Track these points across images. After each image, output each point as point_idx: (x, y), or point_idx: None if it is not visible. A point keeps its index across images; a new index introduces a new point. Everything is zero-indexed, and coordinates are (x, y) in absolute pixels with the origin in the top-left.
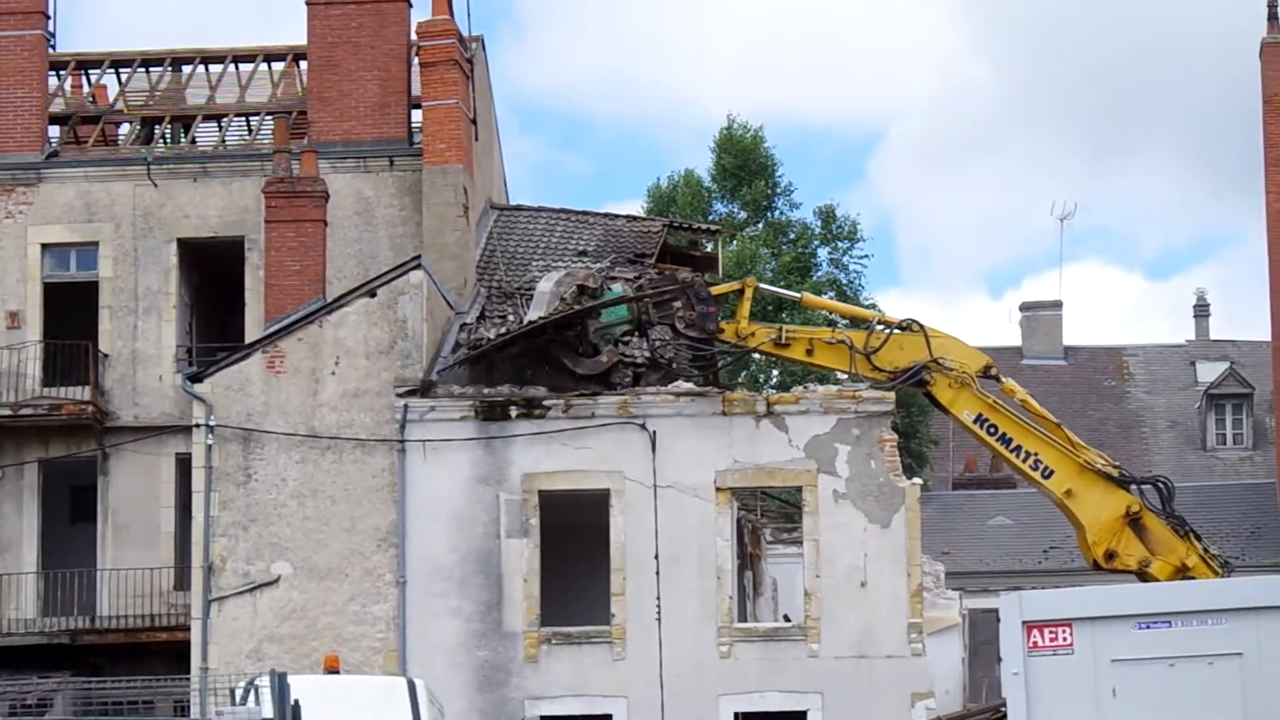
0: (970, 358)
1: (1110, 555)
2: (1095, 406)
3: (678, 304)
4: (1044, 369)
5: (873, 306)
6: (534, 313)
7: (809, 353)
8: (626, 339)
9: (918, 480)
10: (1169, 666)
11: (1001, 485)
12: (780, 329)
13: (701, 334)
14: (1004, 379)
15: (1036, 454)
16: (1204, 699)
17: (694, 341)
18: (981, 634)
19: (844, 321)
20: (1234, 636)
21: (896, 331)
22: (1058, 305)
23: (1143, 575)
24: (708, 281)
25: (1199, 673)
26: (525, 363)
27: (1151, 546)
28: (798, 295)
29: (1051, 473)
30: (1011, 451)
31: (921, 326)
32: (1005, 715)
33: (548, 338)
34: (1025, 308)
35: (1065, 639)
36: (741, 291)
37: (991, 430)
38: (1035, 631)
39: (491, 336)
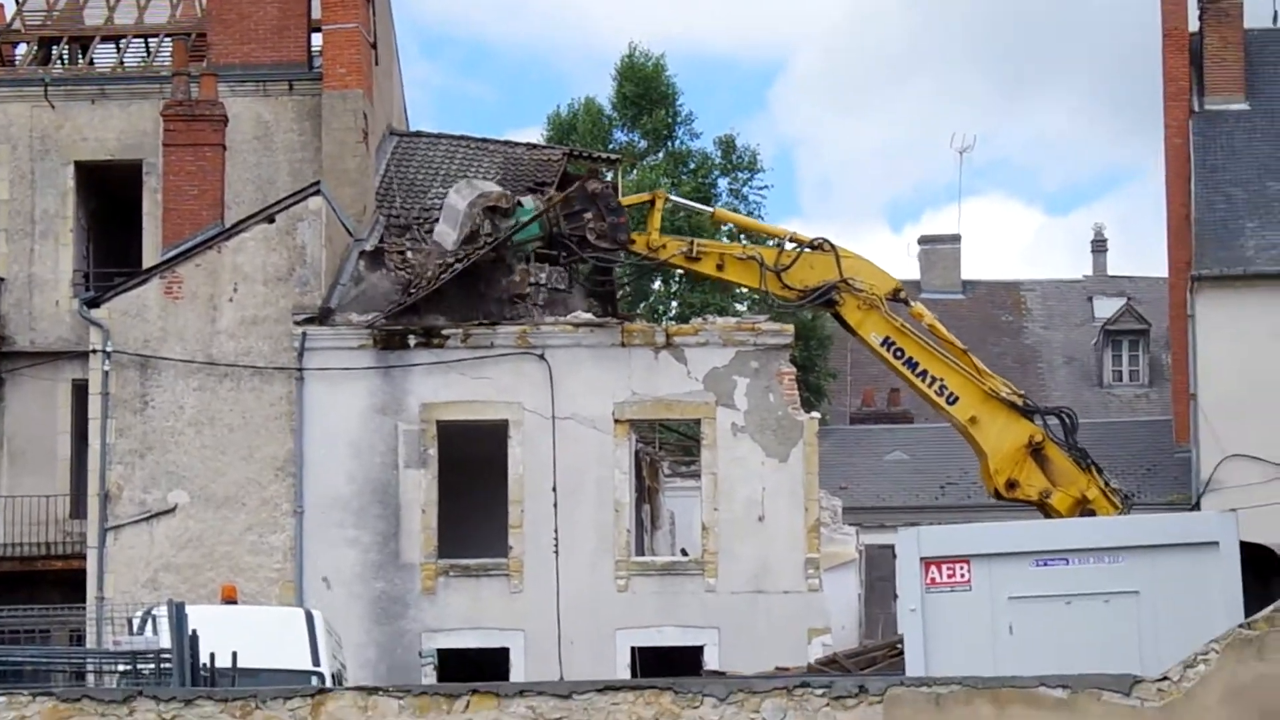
0: (880, 279)
1: (1011, 484)
2: (993, 341)
3: (588, 215)
4: (942, 303)
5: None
6: (446, 229)
7: (719, 268)
8: (539, 255)
9: (816, 414)
10: (1066, 604)
11: (898, 420)
12: (692, 242)
13: (613, 244)
14: (913, 303)
15: (942, 379)
16: (1101, 636)
17: (604, 253)
18: (878, 570)
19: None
20: (1130, 574)
21: (807, 250)
22: (956, 239)
23: (1043, 506)
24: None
25: (1096, 610)
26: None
27: (1053, 477)
28: (710, 209)
29: (956, 399)
30: (917, 376)
31: (832, 246)
32: (902, 651)
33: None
34: (924, 241)
35: (963, 575)
36: (652, 203)
37: (898, 354)
38: (933, 568)
39: (428, 276)
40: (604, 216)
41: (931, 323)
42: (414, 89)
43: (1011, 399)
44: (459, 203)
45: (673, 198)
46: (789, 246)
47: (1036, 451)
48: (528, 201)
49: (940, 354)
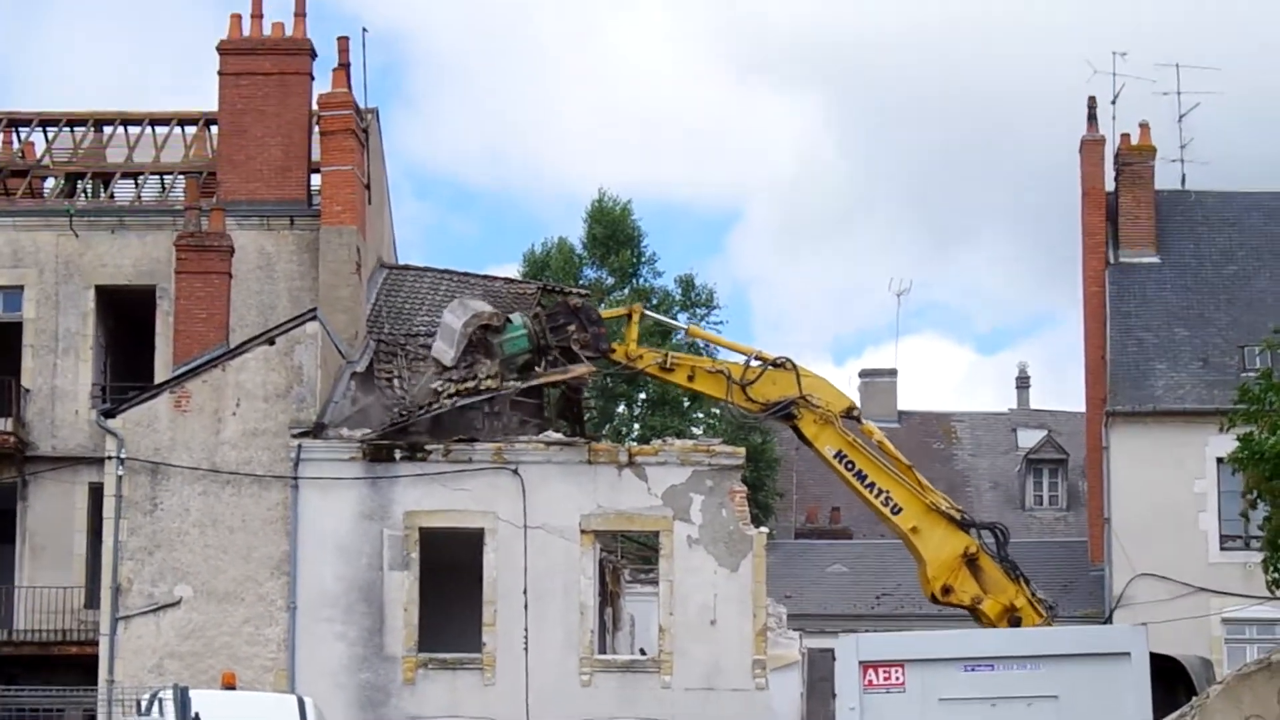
0: (835, 398)
1: (946, 590)
2: (925, 467)
3: (571, 327)
4: (880, 430)
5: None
6: (444, 347)
7: (690, 379)
8: (525, 365)
9: (764, 529)
10: (991, 705)
11: (839, 536)
12: (666, 354)
13: (595, 353)
14: (864, 421)
15: (888, 491)
16: None
17: (588, 361)
18: (819, 671)
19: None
20: (1050, 680)
21: (770, 368)
22: (893, 373)
23: (974, 611)
24: (596, 307)
25: (1018, 712)
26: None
27: (985, 585)
28: (684, 326)
29: (900, 509)
30: (866, 487)
31: (794, 365)
32: None
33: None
34: (864, 374)
35: (898, 678)
36: (629, 316)
37: (849, 466)
38: (870, 671)
39: (422, 401)
40: (586, 328)
41: (881, 440)
42: (406, 226)
43: (950, 512)
44: (455, 322)
45: (648, 312)
46: (754, 364)
47: (971, 561)
48: (516, 318)
49: (888, 468)
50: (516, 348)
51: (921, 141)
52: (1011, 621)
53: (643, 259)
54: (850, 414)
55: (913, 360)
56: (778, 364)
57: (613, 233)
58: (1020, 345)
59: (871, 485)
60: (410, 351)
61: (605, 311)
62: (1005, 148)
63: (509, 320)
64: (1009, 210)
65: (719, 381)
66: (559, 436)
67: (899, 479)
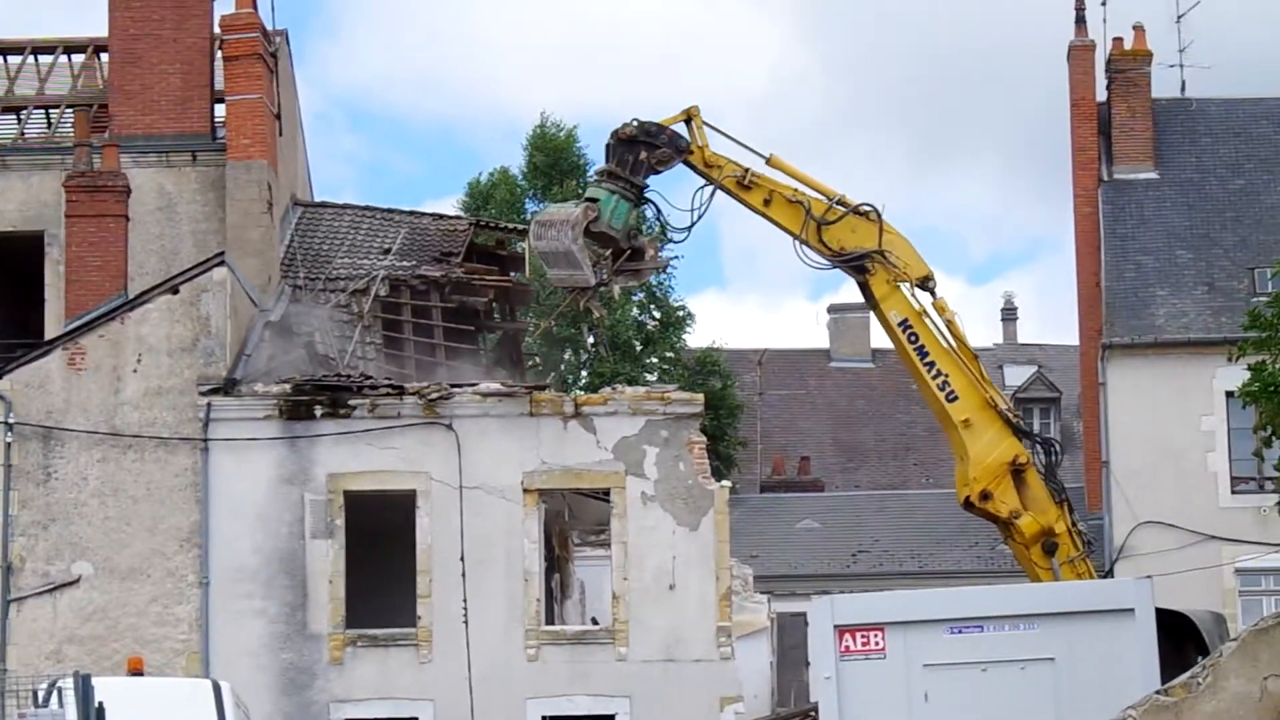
0: (914, 262)
1: (985, 495)
2: (903, 410)
3: (642, 155)
4: (851, 371)
5: (682, 309)
6: (570, 274)
7: (766, 203)
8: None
9: (726, 483)
10: (981, 671)
11: (809, 488)
12: (746, 170)
13: (675, 153)
14: (937, 295)
15: (948, 375)
16: (1016, 704)
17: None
18: (790, 638)
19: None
20: (1046, 641)
21: (853, 214)
22: (866, 307)
23: (1009, 526)
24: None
25: (1011, 677)
26: None
27: (1025, 502)
28: (765, 154)
29: (956, 398)
30: (925, 365)
31: (879, 215)
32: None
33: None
34: (833, 309)
35: (877, 643)
36: (689, 120)
37: (913, 338)
38: (847, 636)
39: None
40: (655, 145)
41: (951, 319)
42: (340, 163)
43: (1007, 414)
44: (560, 243)
45: (710, 124)
46: (837, 206)
47: (1017, 473)
48: (597, 192)
49: (951, 351)
50: (621, 219)
51: (903, 52)
52: (1046, 547)
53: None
54: (926, 284)
55: None
56: (862, 212)
57: (555, 161)
58: (1011, 274)
59: (931, 364)
60: (328, 299)
61: (664, 120)
62: (994, 59)
63: (594, 200)
64: (998, 127)
65: (796, 213)
66: (496, 386)
67: (961, 365)
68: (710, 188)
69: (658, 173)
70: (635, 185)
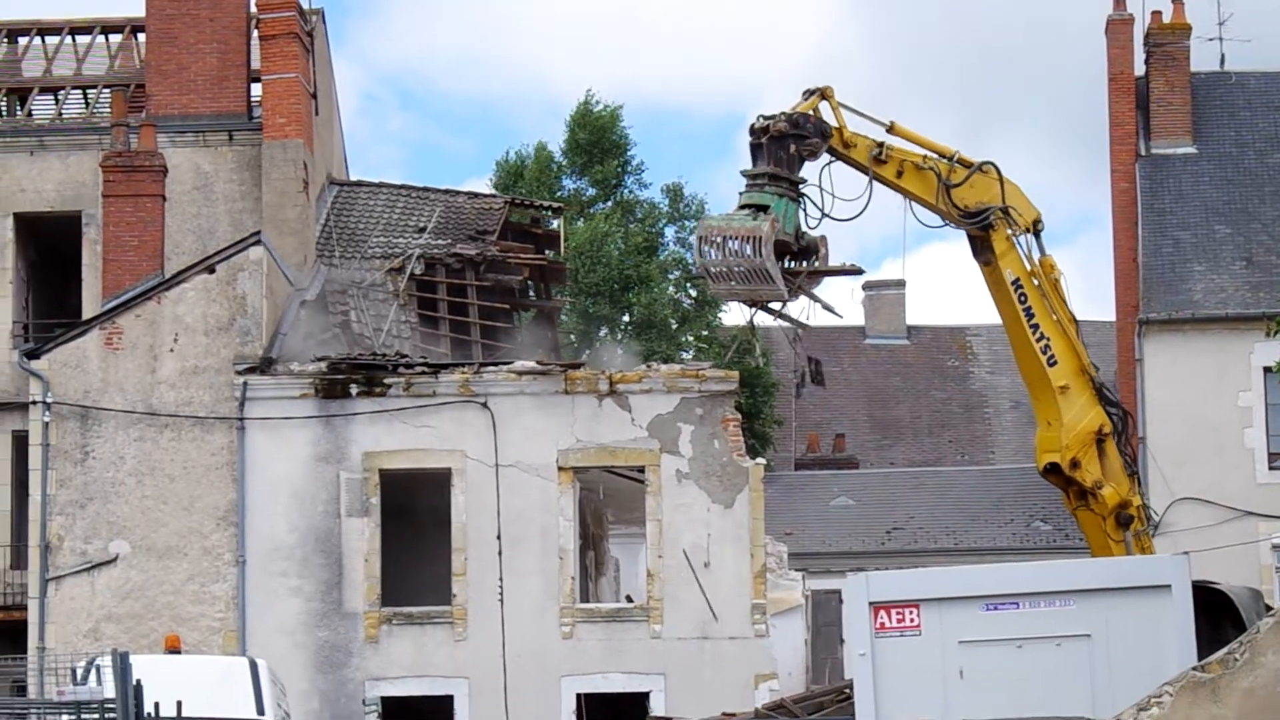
0: (1025, 208)
1: (1075, 464)
2: (939, 387)
3: (793, 149)
4: (887, 349)
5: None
6: (764, 288)
7: (899, 174)
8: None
9: (761, 460)
10: (1017, 648)
11: (844, 465)
12: (881, 145)
13: (821, 137)
14: (1046, 252)
15: (1049, 340)
16: (1052, 680)
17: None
18: (824, 615)
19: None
20: (1082, 617)
21: (974, 172)
22: (901, 284)
23: (1092, 495)
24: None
25: (1047, 654)
26: None
27: (1104, 473)
28: (886, 122)
29: (1056, 363)
30: (1030, 327)
31: (998, 170)
32: (850, 696)
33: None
34: (868, 287)
35: (913, 620)
36: (825, 98)
37: (1022, 299)
38: (882, 612)
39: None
40: (803, 135)
41: (1058, 279)
42: (387, 143)
43: (1101, 383)
44: (756, 260)
45: (841, 101)
46: (956, 165)
47: (1098, 443)
48: (763, 199)
49: (1054, 315)
50: (792, 221)
51: (944, 30)
52: (1121, 520)
53: (628, 169)
54: (1036, 226)
55: (924, 271)
56: (981, 169)
57: (597, 139)
58: (1050, 251)
59: (1035, 327)
60: (363, 278)
61: (798, 107)
62: (1034, 34)
63: (765, 207)
64: (1038, 103)
65: (928, 181)
66: (532, 365)
67: (1062, 330)
68: (865, 177)
69: (804, 162)
70: (794, 183)
